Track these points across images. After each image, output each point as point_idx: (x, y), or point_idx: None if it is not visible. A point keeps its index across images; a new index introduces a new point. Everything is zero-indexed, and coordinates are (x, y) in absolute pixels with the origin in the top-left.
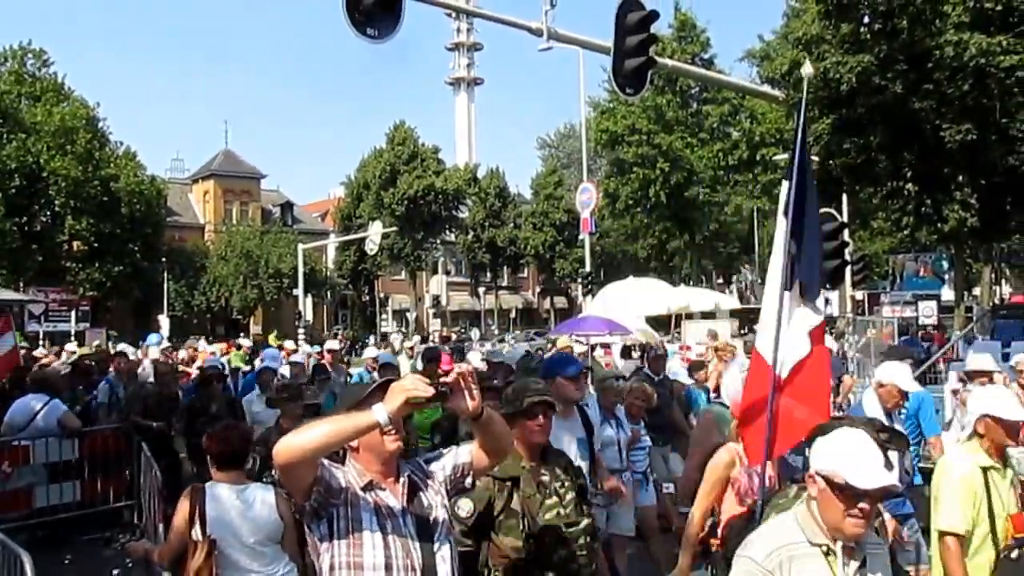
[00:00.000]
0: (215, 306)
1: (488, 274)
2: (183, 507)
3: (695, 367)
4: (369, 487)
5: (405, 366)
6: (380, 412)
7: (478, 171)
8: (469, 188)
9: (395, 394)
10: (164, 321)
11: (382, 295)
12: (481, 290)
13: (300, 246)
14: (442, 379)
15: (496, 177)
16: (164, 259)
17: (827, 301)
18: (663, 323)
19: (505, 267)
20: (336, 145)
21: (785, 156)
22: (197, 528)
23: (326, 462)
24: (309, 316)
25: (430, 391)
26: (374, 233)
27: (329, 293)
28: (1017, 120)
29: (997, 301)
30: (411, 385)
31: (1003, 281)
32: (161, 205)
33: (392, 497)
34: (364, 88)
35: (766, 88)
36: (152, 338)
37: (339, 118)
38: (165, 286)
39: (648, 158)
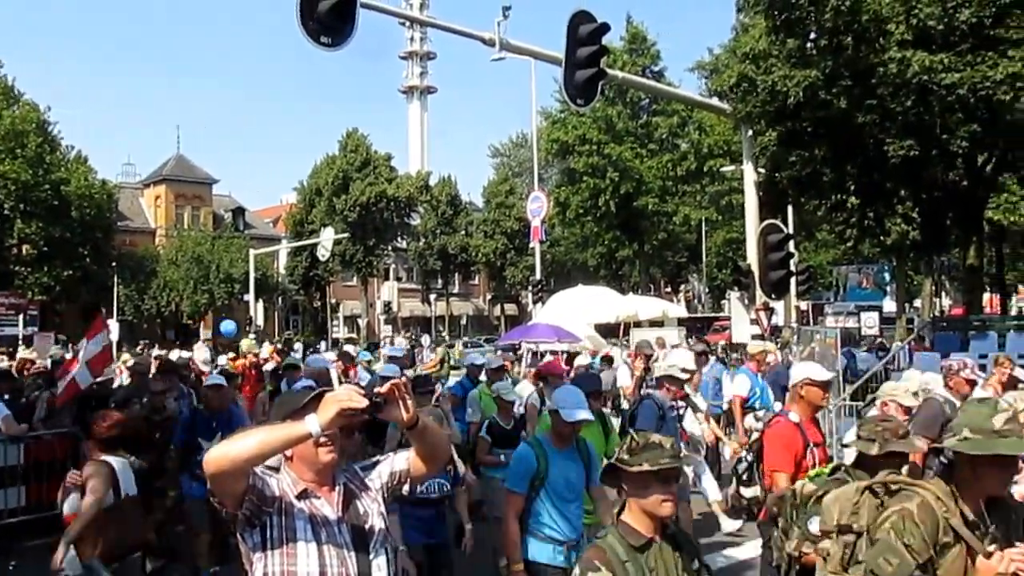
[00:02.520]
0: (165, 311)
1: (439, 281)
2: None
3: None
4: (304, 495)
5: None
6: (313, 423)
7: (430, 179)
8: (421, 195)
9: (328, 405)
10: (114, 326)
11: (333, 301)
12: (432, 297)
13: (252, 251)
14: (376, 389)
15: (448, 185)
16: (114, 263)
17: (772, 311)
18: (611, 331)
19: (456, 274)
20: (288, 151)
21: (732, 168)
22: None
23: (259, 470)
24: (260, 321)
25: (363, 402)
26: (326, 239)
27: (280, 299)
28: (957, 137)
29: (937, 313)
30: (344, 396)
31: (943, 294)
32: (112, 209)
33: (327, 506)
34: (317, 95)
35: (714, 101)
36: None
37: (292, 125)
38: (115, 291)
39: (598, 168)
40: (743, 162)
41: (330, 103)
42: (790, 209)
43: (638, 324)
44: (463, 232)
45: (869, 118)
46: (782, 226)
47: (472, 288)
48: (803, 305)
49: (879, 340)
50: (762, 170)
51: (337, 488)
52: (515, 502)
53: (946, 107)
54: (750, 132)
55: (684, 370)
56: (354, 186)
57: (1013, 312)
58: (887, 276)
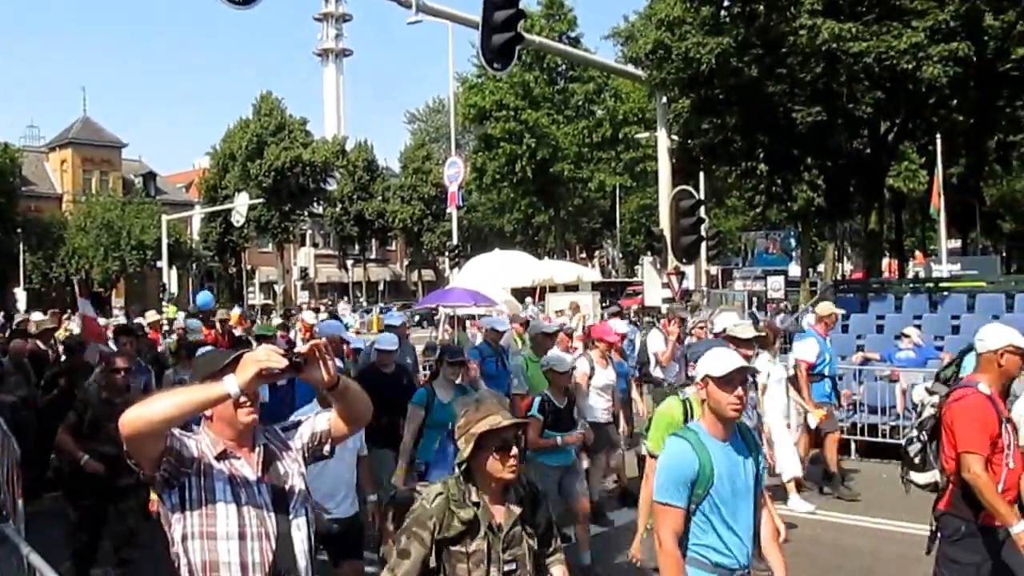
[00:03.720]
0: (75, 278)
1: (356, 247)
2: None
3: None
4: (223, 456)
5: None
6: (231, 383)
7: (346, 144)
8: (337, 161)
9: (247, 365)
10: (20, 294)
11: (249, 267)
12: (349, 263)
13: (164, 217)
14: (296, 350)
15: (364, 150)
16: (19, 230)
17: (683, 275)
18: (527, 295)
19: (373, 240)
20: (201, 115)
21: (646, 135)
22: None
23: (177, 431)
24: (174, 288)
25: (283, 362)
26: (240, 205)
27: (195, 265)
28: (862, 104)
29: (839, 277)
30: (263, 356)
31: (845, 258)
32: (15, 174)
33: (247, 466)
34: (230, 58)
35: (630, 68)
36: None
37: (204, 87)
38: (21, 258)
39: (515, 134)
40: (657, 129)
41: (243, 66)
42: (702, 176)
43: (554, 289)
44: (380, 198)
45: (779, 86)
46: (694, 192)
47: (389, 254)
48: (713, 269)
49: (784, 303)
50: (675, 137)
51: (257, 449)
52: (674, 519)
53: (853, 75)
54: (664, 99)
55: (756, 326)
56: (269, 151)
57: (910, 276)
58: (793, 242)
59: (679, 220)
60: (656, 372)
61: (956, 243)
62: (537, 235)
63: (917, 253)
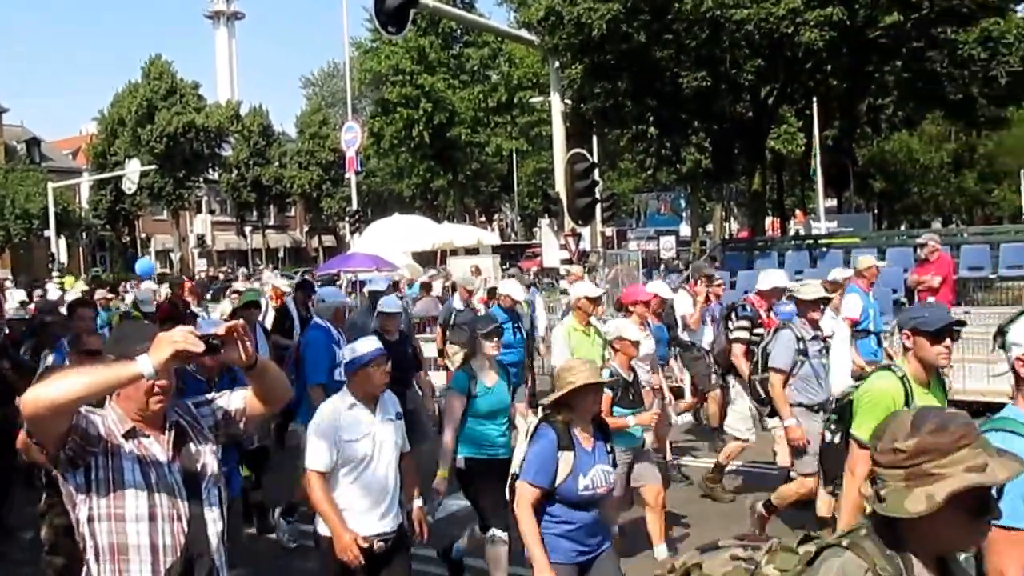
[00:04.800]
0: None
1: (254, 213)
2: None
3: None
4: (131, 435)
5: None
6: (145, 364)
7: (241, 108)
8: (232, 126)
9: (162, 346)
10: None
11: (143, 235)
12: (247, 229)
13: (50, 185)
14: (214, 331)
15: (259, 115)
16: None
17: (580, 236)
18: (428, 259)
19: (271, 206)
20: (88, 79)
21: (541, 99)
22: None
23: (83, 409)
24: (63, 259)
25: (200, 345)
26: (131, 171)
27: (85, 234)
28: (744, 70)
29: (727, 236)
30: (180, 337)
31: (732, 218)
32: None
33: (156, 445)
34: (118, 19)
35: (523, 33)
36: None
37: (89, 50)
38: None
39: (411, 98)
40: (551, 94)
41: (131, 28)
42: (595, 139)
43: (454, 252)
44: (277, 163)
45: (666, 52)
46: (588, 156)
47: (288, 220)
48: (608, 231)
49: (676, 262)
50: (568, 102)
51: (168, 427)
52: None
53: (735, 42)
54: (557, 64)
55: (832, 284)
56: (160, 115)
57: (792, 233)
58: (683, 203)
59: (574, 183)
60: (684, 335)
61: (832, 202)
62: (436, 199)
63: (797, 212)
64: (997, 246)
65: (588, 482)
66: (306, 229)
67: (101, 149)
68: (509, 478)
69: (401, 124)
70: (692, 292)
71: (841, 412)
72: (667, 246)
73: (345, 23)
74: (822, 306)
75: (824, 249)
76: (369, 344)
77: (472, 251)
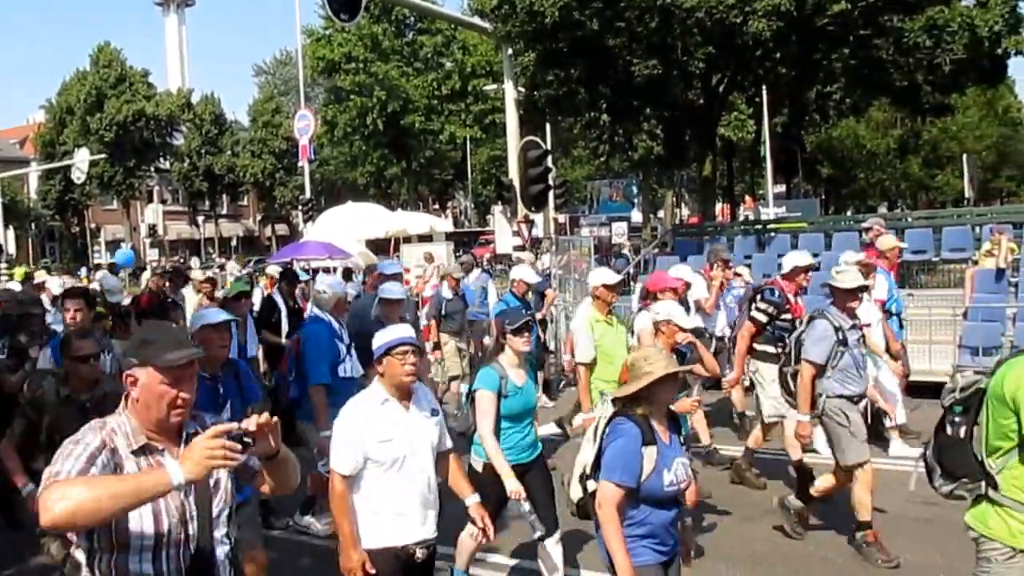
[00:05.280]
0: None
1: (207, 202)
2: None
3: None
4: (144, 451)
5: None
6: (176, 474)
7: (192, 96)
8: (183, 114)
9: (198, 458)
10: None
11: (93, 226)
12: (200, 219)
13: None
14: (245, 428)
15: (211, 103)
16: None
17: (533, 223)
18: (383, 247)
19: (224, 195)
20: (35, 67)
21: (494, 87)
22: None
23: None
24: (12, 250)
25: (239, 458)
26: (80, 161)
27: (34, 225)
28: (695, 58)
29: (678, 222)
30: (219, 452)
31: (683, 204)
32: None
33: (171, 460)
34: (64, 5)
35: (476, 20)
36: None
37: (36, 38)
38: None
39: (365, 86)
40: (504, 81)
41: (79, 15)
42: (548, 127)
43: (408, 240)
44: (229, 152)
45: (618, 40)
46: (541, 143)
47: (241, 209)
48: (561, 218)
49: (627, 247)
50: (522, 89)
51: (184, 439)
52: None
53: (686, 30)
54: (510, 52)
55: (859, 263)
56: (109, 104)
57: (741, 219)
58: (635, 189)
59: (527, 170)
60: (697, 321)
61: (781, 188)
62: (390, 187)
63: (747, 198)
64: (940, 230)
65: (672, 477)
66: (259, 218)
67: (49, 138)
68: (571, 478)
69: (355, 112)
70: (707, 276)
71: (966, 403)
72: (619, 232)
73: (297, 10)
74: (861, 294)
75: (772, 234)
76: (394, 331)
77: (425, 238)
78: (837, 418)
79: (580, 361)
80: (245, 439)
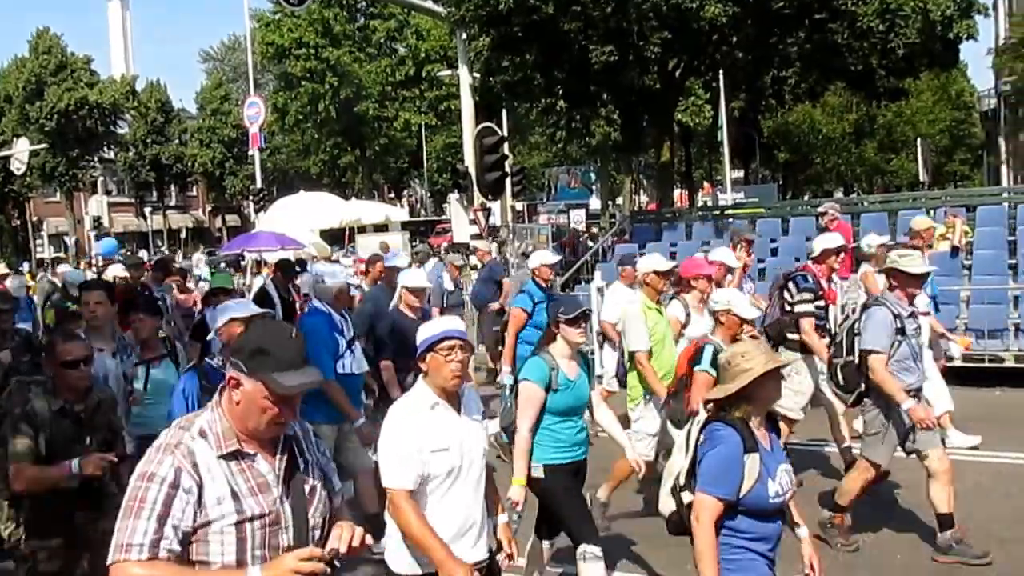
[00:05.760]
0: None
1: (154, 193)
2: None
3: None
4: (234, 456)
5: None
6: None
7: (137, 84)
8: (127, 102)
9: (284, 573)
10: None
11: (35, 218)
12: (147, 210)
13: None
14: (335, 550)
15: (157, 90)
16: None
17: (490, 211)
18: (337, 237)
19: (172, 185)
20: None
21: (449, 73)
22: None
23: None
24: None
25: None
26: (20, 151)
27: None
28: (651, 43)
29: (636, 208)
30: (306, 569)
31: (641, 190)
32: None
33: (265, 465)
34: None
35: (429, 4)
36: None
37: None
38: None
39: (316, 72)
40: (459, 67)
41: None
42: (504, 113)
43: (362, 229)
44: (177, 141)
45: (574, 25)
46: (497, 129)
47: (191, 200)
48: (519, 205)
49: (584, 235)
50: (477, 75)
51: (281, 446)
52: None
53: (642, 15)
54: (464, 37)
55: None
56: (50, 92)
57: (700, 205)
58: (593, 176)
59: (483, 157)
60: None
61: (739, 173)
62: (344, 176)
63: (705, 184)
64: (895, 214)
65: (777, 487)
66: (209, 209)
67: None
68: (665, 486)
69: (306, 99)
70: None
71: None
72: (577, 219)
73: None
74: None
75: (730, 220)
76: (439, 324)
77: (381, 228)
78: (879, 418)
79: (637, 349)
80: (336, 562)
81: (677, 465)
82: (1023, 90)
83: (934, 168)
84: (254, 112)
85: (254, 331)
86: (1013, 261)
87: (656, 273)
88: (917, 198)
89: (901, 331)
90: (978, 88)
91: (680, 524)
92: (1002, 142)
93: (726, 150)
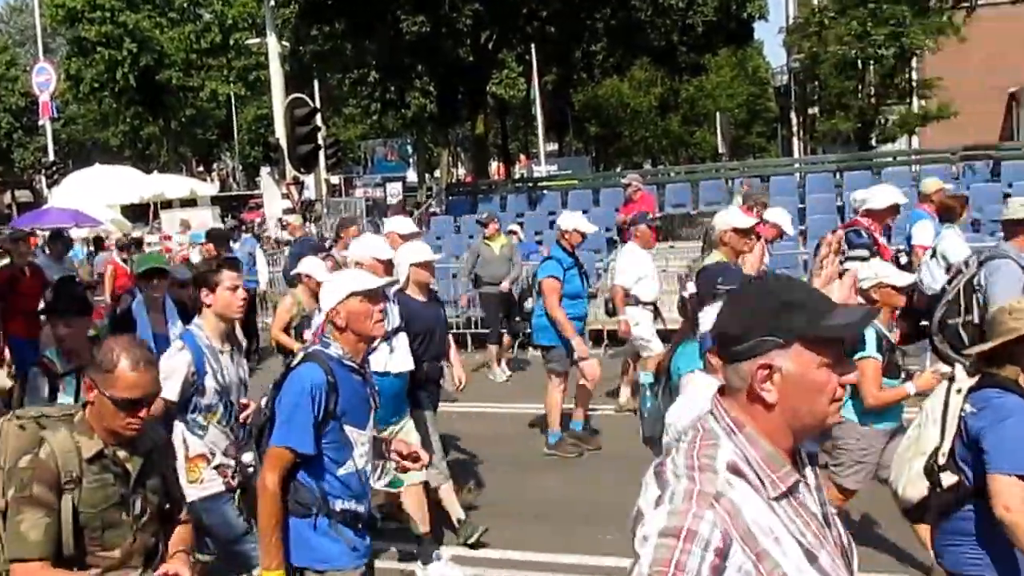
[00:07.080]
0: None
1: None
2: None
3: None
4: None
5: None
6: None
7: None
8: None
9: None
10: None
11: None
12: None
13: None
14: None
15: None
16: None
17: (303, 185)
18: (141, 213)
19: None
20: None
21: (258, 41)
22: None
23: None
24: None
25: None
26: None
27: None
28: (463, 15)
29: (454, 181)
30: None
31: (459, 163)
32: None
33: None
34: None
35: None
36: None
37: None
38: None
39: (113, 38)
40: (267, 35)
41: None
42: (316, 84)
43: (168, 204)
44: None
45: None
46: (309, 101)
47: None
48: (334, 179)
49: (406, 208)
50: (286, 44)
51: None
52: None
53: None
54: (272, 3)
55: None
56: None
57: (517, 177)
58: (410, 149)
59: (295, 129)
60: None
61: (554, 146)
62: (148, 149)
63: (522, 156)
64: (697, 184)
65: None
66: None
67: None
68: (914, 465)
69: (103, 66)
70: None
71: None
72: (393, 192)
73: None
74: None
75: (543, 192)
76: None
77: (189, 203)
78: None
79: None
80: None
81: (930, 441)
82: (811, 67)
83: (733, 140)
84: (44, 79)
85: (773, 288)
86: (803, 227)
87: (736, 231)
88: (718, 169)
89: None
90: (772, 65)
91: (922, 512)
92: (793, 116)
93: (540, 123)
